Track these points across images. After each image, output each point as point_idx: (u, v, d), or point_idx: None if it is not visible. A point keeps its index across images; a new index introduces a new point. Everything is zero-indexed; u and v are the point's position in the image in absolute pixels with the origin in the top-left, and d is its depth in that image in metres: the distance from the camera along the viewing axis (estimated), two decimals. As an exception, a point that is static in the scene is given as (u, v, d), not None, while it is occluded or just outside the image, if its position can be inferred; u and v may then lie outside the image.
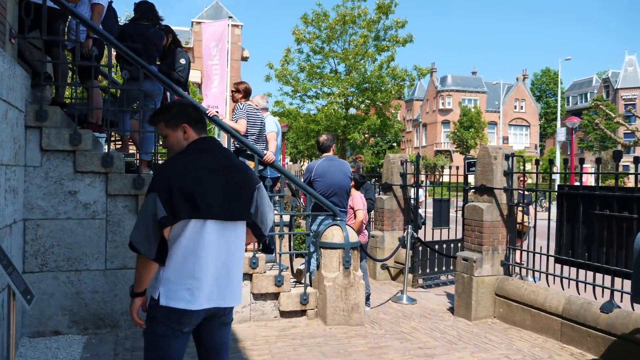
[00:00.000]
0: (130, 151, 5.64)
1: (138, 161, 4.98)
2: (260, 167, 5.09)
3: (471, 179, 7.80)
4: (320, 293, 5.29)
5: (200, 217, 2.21)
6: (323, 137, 5.72)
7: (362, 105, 23.09)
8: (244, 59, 39.48)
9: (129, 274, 4.52)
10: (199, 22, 35.79)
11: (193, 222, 2.21)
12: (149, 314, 2.28)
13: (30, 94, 4.37)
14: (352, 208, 5.86)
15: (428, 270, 8.12)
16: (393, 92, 22.13)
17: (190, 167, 2.25)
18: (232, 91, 5.62)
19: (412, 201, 8.13)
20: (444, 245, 8.17)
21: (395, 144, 58.49)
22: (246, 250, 5.48)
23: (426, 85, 65.93)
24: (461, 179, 8.82)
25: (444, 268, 8.39)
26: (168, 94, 5.37)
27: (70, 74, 5.60)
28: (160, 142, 2.33)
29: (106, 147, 4.86)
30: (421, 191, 9.44)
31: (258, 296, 5.14)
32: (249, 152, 5.03)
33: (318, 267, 5.36)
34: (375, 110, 22.98)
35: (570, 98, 67.74)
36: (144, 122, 4.80)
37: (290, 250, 5.41)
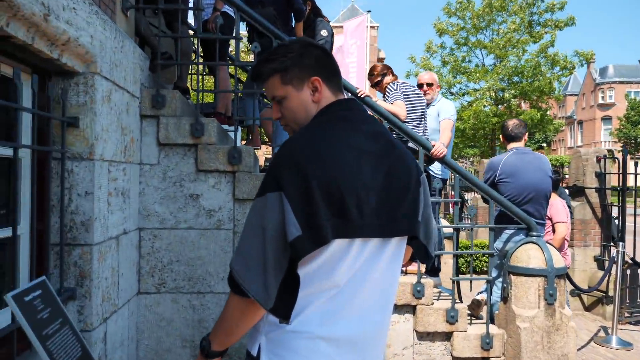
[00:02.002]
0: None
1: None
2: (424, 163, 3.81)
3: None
4: (509, 336, 3.84)
5: (349, 235, 1.29)
6: (512, 122, 4.24)
7: (514, 100, 20.53)
8: (380, 60, 38.43)
9: (260, 300, 3.54)
10: (336, 26, 35.58)
11: (336, 242, 1.28)
12: None
13: (149, 79, 3.61)
14: (550, 219, 4.30)
15: (639, 301, 6.15)
16: (553, 82, 19.26)
17: (335, 147, 1.32)
18: (375, 83, 4.39)
19: (616, 210, 6.21)
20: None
21: (544, 144, 53.06)
22: (406, 272, 4.28)
23: (581, 79, 59.30)
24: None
25: (660, 298, 6.33)
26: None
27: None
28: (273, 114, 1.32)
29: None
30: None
31: (423, 335, 3.86)
32: (410, 143, 3.78)
33: (505, 299, 3.92)
34: (530, 104, 20.30)
35: None
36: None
37: (457, 274, 4.02)
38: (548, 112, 21.84)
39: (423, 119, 4.22)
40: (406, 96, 4.09)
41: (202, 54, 4.59)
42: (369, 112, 1.54)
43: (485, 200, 3.97)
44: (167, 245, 3.47)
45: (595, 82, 55.89)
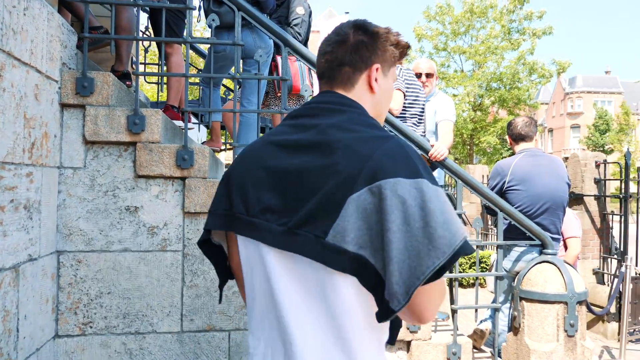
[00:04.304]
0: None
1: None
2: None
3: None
4: (522, 376, 3.18)
5: (228, 225, 1.20)
6: (521, 120, 3.59)
7: (492, 107, 20.31)
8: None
9: (217, 339, 2.80)
10: (314, 31, 35.00)
11: (241, 241, 1.19)
12: None
13: (77, 59, 2.85)
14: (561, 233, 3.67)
15: (641, 319, 5.64)
16: (529, 89, 19.11)
17: (253, 144, 1.25)
18: None
19: (615, 219, 5.68)
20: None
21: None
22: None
23: (552, 88, 60.37)
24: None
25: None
26: (279, 59, 3.62)
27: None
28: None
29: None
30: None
31: (420, 377, 3.17)
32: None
33: (515, 330, 3.26)
34: (508, 111, 20.08)
35: None
36: (243, 97, 3.09)
37: (456, 300, 3.32)
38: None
39: (423, 116, 3.55)
40: (408, 85, 3.40)
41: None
42: (326, 106, 1.20)
43: (490, 212, 3.32)
44: (95, 272, 2.69)
45: (564, 91, 56.91)
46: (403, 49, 1.28)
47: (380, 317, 1.02)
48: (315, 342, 1.09)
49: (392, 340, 1.34)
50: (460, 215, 3.13)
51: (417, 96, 3.45)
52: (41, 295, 2.44)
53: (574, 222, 3.76)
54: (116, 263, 2.70)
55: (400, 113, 3.36)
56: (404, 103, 3.38)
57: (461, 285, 8.11)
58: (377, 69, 1.23)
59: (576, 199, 5.93)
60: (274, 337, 1.14)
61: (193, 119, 4.82)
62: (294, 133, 1.16)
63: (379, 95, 1.26)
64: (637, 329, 5.63)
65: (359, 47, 1.21)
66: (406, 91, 3.38)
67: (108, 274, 2.70)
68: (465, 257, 8.28)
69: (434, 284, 1.03)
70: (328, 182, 1.05)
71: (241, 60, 3.33)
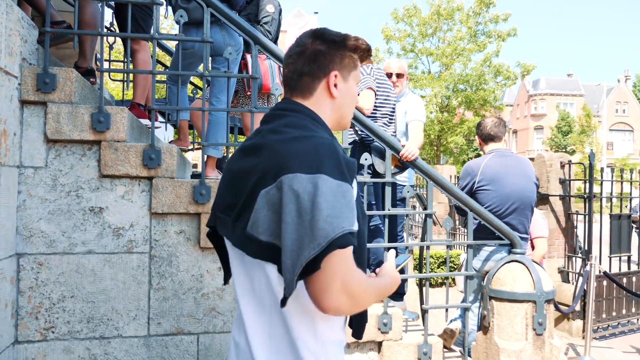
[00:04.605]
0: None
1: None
2: (395, 170, 3.14)
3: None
4: (491, 374, 3.22)
5: (211, 221, 1.39)
6: (490, 120, 3.64)
7: (459, 108, 20.67)
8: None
9: (185, 343, 2.73)
10: (282, 31, 34.82)
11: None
12: None
13: (38, 55, 2.73)
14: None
15: (604, 315, 5.80)
16: (495, 91, 19.54)
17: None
18: None
19: (579, 219, 5.84)
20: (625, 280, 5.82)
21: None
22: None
23: (516, 90, 61.87)
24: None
25: (624, 311, 6.03)
26: (248, 57, 3.57)
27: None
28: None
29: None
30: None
31: (391, 377, 3.17)
32: (376, 142, 3.09)
33: (485, 329, 3.30)
34: (474, 112, 20.48)
35: (677, 99, 60.14)
36: (212, 96, 3.02)
37: (427, 301, 3.33)
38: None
39: (394, 116, 3.56)
40: (379, 85, 3.40)
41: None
42: (282, 111, 1.30)
43: (460, 212, 3.35)
44: (57, 276, 2.58)
45: (528, 93, 58.35)
46: (363, 53, 1.34)
47: (281, 303, 1.10)
48: (261, 325, 1.21)
49: (358, 335, 1.40)
50: (430, 216, 3.14)
51: (387, 96, 3.46)
52: (2, 300, 2.33)
53: (541, 222, 3.84)
54: (80, 265, 2.61)
55: (371, 112, 3.36)
56: (375, 102, 3.38)
57: (430, 284, 8.17)
58: (335, 76, 1.30)
59: (542, 199, 6.06)
60: (240, 322, 1.27)
61: (160, 118, 4.71)
62: (252, 138, 1.30)
63: (339, 99, 1.32)
64: (601, 327, 5.79)
65: (316, 56, 1.28)
66: (377, 90, 3.38)
67: (71, 277, 2.59)
68: (434, 256, 8.36)
69: (325, 274, 1.07)
70: (252, 179, 1.17)
71: (210, 58, 3.28)
